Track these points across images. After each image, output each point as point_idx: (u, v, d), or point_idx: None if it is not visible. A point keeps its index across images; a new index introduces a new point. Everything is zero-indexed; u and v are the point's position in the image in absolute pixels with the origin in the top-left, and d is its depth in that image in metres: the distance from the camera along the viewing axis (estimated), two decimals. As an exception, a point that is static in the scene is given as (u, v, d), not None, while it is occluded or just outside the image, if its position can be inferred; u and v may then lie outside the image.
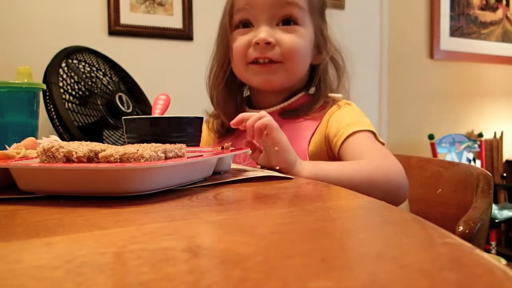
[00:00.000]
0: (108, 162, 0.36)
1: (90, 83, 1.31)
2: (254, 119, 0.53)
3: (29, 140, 0.49)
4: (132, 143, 0.58)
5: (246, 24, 0.73)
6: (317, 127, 0.71)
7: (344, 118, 0.69)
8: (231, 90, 0.79)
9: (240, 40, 0.73)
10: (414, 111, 2.37)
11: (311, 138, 0.70)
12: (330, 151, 0.70)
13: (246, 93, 0.84)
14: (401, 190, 0.60)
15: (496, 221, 1.94)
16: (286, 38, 0.70)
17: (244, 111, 0.80)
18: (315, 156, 0.69)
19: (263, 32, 0.70)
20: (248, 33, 0.72)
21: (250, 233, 0.25)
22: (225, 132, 0.80)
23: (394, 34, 2.22)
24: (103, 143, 0.46)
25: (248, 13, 0.72)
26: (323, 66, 0.76)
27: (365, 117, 0.72)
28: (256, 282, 0.17)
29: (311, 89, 0.78)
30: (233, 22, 0.75)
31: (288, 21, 0.71)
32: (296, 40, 0.71)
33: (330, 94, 0.75)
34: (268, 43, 0.69)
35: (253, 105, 0.80)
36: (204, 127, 0.82)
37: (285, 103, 0.75)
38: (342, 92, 0.78)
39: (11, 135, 0.66)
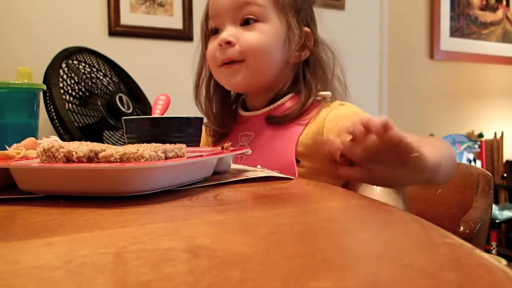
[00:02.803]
0: (108, 162, 0.36)
1: (90, 83, 1.31)
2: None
3: (29, 140, 0.49)
4: (132, 143, 0.58)
5: (217, 30, 0.75)
6: (303, 129, 0.70)
7: (341, 118, 0.67)
8: (219, 95, 0.81)
9: (210, 45, 0.75)
10: (414, 111, 2.37)
11: (297, 141, 0.69)
12: (329, 153, 0.68)
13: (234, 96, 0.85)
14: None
15: (497, 221, 1.94)
16: (245, 35, 0.71)
17: (237, 113, 0.80)
18: (304, 157, 0.68)
19: (224, 33, 0.72)
20: (217, 38, 0.74)
21: (250, 233, 0.25)
22: (220, 137, 0.80)
23: (394, 34, 2.22)
24: (103, 143, 0.46)
25: (216, 20, 0.74)
26: (306, 64, 0.75)
27: (362, 113, 0.69)
28: (256, 282, 0.17)
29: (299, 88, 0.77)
30: (208, 29, 0.77)
31: (249, 20, 0.72)
32: (254, 36, 0.71)
33: (319, 93, 0.74)
34: (228, 42, 0.71)
35: (246, 107, 0.80)
36: (203, 130, 0.82)
37: (271, 106, 0.74)
38: (335, 90, 0.77)
39: (11, 136, 0.66)
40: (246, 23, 0.72)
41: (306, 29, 0.76)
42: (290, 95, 0.74)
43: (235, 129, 0.79)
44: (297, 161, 0.68)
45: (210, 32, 0.77)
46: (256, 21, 0.72)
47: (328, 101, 0.75)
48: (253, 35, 0.71)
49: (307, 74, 0.75)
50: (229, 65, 0.72)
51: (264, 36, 0.71)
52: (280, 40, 0.73)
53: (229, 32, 0.71)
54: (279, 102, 0.74)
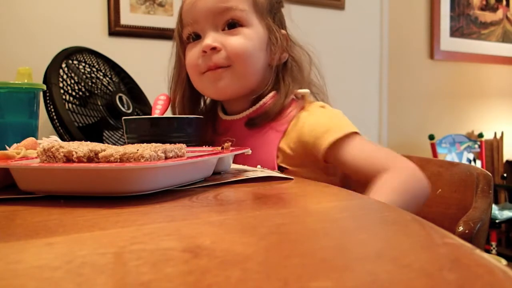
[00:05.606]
0: (108, 162, 0.36)
1: (90, 83, 1.31)
2: None
3: (29, 140, 0.49)
4: (132, 143, 0.59)
5: (198, 36, 0.73)
6: (285, 132, 0.69)
7: (318, 125, 0.67)
8: (192, 101, 0.80)
9: (191, 53, 0.73)
10: (414, 111, 2.37)
11: (277, 150, 0.68)
12: (312, 156, 0.68)
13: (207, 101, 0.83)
14: (427, 190, 0.62)
15: (497, 221, 1.94)
16: (231, 40, 0.70)
17: (218, 117, 0.79)
18: (290, 164, 0.68)
19: (208, 39, 0.70)
20: (197, 45, 0.72)
21: (250, 233, 0.25)
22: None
23: (394, 34, 2.22)
24: (103, 143, 0.46)
25: (195, 27, 0.73)
26: (283, 65, 0.75)
27: (341, 117, 0.69)
28: (256, 282, 0.17)
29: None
30: (184, 36, 0.75)
31: (232, 25, 0.71)
32: (241, 41, 0.70)
33: (297, 91, 0.73)
34: (214, 48, 0.69)
35: (225, 111, 0.79)
36: None
37: (251, 110, 0.73)
38: (313, 90, 0.76)
39: (11, 136, 0.66)
40: (229, 27, 0.71)
41: (283, 31, 0.76)
42: (271, 93, 0.74)
43: (216, 139, 0.77)
44: (285, 168, 0.68)
45: (187, 40, 0.75)
46: (239, 25, 0.71)
47: (309, 101, 0.74)
48: (238, 39, 0.70)
49: (285, 75, 0.75)
50: (214, 70, 0.70)
51: (249, 40, 0.70)
52: (263, 44, 0.72)
53: (213, 37, 0.70)
54: (261, 103, 0.73)
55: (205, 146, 0.58)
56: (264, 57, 0.73)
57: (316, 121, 0.68)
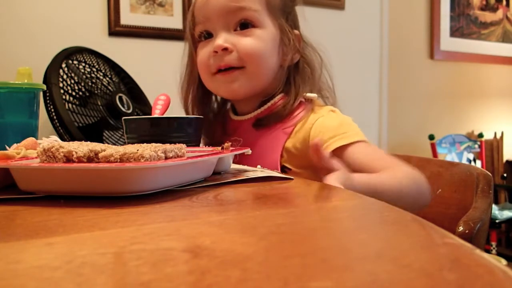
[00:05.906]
0: (108, 162, 0.36)
1: (90, 83, 1.31)
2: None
3: (29, 140, 0.49)
4: (132, 143, 0.59)
5: (210, 34, 0.73)
6: (291, 133, 0.69)
7: (326, 129, 0.67)
8: (203, 100, 0.79)
9: (202, 52, 0.73)
10: (414, 111, 2.37)
11: (282, 150, 0.68)
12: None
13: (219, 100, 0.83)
14: (427, 195, 0.61)
15: (497, 221, 1.94)
16: (243, 41, 0.69)
17: (228, 117, 0.79)
18: (293, 164, 0.68)
19: (219, 39, 0.69)
20: (209, 44, 0.72)
21: (250, 233, 0.25)
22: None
23: (394, 34, 2.22)
24: (103, 143, 0.46)
25: (207, 25, 0.72)
26: (295, 66, 0.75)
27: (350, 124, 0.69)
28: (256, 282, 0.17)
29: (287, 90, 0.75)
30: (196, 34, 0.75)
31: (245, 25, 0.70)
32: (253, 42, 0.69)
33: (306, 94, 0.73)
34: (225, 49, 0.69)
35: (235, 111, 0.79)
36: None
37: (259, 110, 0.73)
38: (322, 93, 0.76)
39: (11, 136, 0.66)
40: (241, 28, 0.70)
41: (296, 32, 0.76)
42: (280, 95, 0.73)
43: (225, 140, 0.77)
44: (288, 168, 0.68)
45: (199, 38, 0.74)
46: (251, 26, 0.70)
47: (319, 105, 0.74)
48: (251, 41, 0.69)
49: (296, 76, 0.74)
50: (227, 72, 0.70)
51: (262, 41, 0.70)
52: (275, 45, 0.72)
53: (224, 38, 0.69)
54: (269, 104, 0.73)
55: (205, 146, 0.58)
56: (276, 58, 0.72)
57: (324, 125, 0.68)
